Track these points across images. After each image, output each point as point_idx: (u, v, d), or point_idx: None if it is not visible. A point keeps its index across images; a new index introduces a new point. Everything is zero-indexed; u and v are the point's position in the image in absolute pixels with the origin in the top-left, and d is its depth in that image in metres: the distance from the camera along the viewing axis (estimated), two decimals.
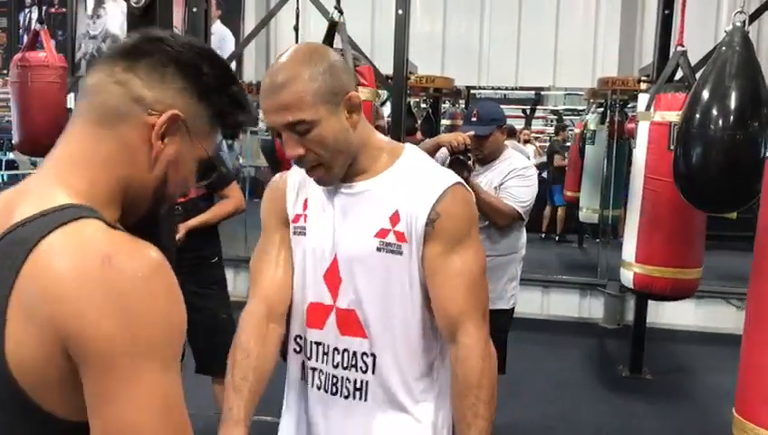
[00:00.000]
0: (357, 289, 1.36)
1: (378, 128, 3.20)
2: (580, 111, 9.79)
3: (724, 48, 3.02)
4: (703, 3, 6.19)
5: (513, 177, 2.99)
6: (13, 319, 0.74)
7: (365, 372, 1.37)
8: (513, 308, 3.14)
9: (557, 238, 8.61)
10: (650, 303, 4.66)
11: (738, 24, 2.99)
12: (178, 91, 0.86)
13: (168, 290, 0.78)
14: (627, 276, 3.93)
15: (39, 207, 0.78)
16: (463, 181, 1.38)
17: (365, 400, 1.38)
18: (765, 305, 1.89)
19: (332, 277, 1.38)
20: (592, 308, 5.88)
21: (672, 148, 3.52)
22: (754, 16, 3.87)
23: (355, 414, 1.39)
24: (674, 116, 3.57)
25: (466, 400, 1.32)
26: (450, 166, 2.58)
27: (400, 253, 1.33)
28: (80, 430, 0.76)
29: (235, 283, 5.97)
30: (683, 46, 3.80)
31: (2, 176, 10.13)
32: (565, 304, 5.91)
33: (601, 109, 7.18)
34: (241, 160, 9.11)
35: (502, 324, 2.93)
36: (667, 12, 4.29)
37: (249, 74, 7.29)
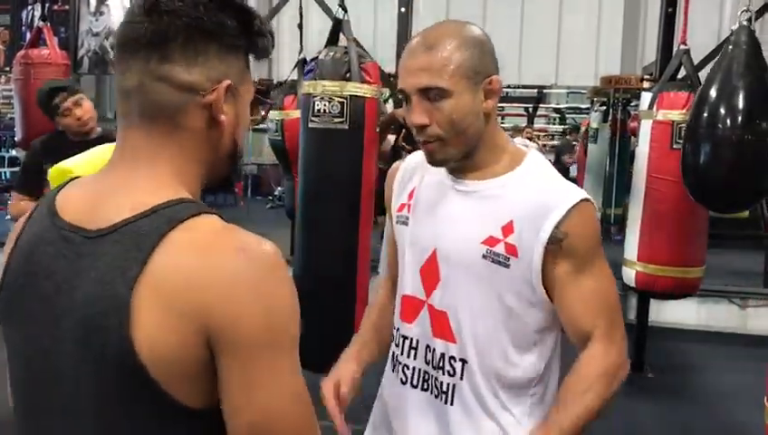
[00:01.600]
0: (453, 292, 1.29)
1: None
2: (583, 109, 9.78)
3: (731, 47, 3.01)
4: (706, 1, 6.18)
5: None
6: (144, 308, 0.75)
7: (452, 375, 1.31)
8: None
9: None
10: (652, 301, 4.65)
11: (744, 22, 2.98)
12: (216, 57, 0.85)
13: (290, 280, 0.82)
14: (629, 275, 3.93)
15: (144, 203, 0.80)
16: (589, 196, 1.28)
17: (451, 404, 1.31)
18: None
19: (429, 273, 1.32)
20: None
21: (675, 146, 3.52)
22: (759, 14, 3.86)
23: (440, 415, 1.33)
24: (676, 115, 3.57)
25: (576, 386, 1.24)
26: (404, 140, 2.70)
27: (507, 266, 1.24)
28: (202, 417, 0.79)
29: None
30: (686, 45, 3.79)
31: (4, 173, 10.13)
32: None
33: (604, 107, 7.17)
34: (244, 158, 9.10)
35: None
36: (670, 10, 4.28)
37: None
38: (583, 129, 8.17)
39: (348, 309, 2.86)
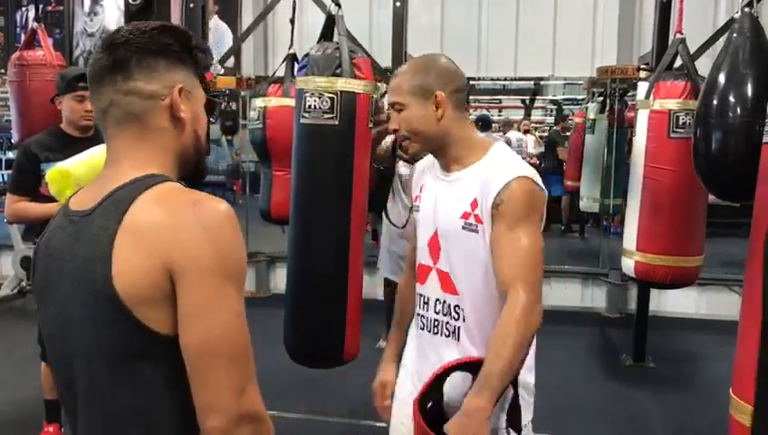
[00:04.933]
0: (450, 256, 1.76)
1: (379, 122, 3.19)
2: (580, 100, 9.76)
3: (735, 35, 3.01)
4: None
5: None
6: (120, 250, 0.97)
7: (457, 320, 1.76)
8: None
9: (562, 228, 8.61)
10: (653, 291, 4.66)
11: (747, 9, 2.97)
12: (166, 69, 1.09)
13: (239, 231, 1.03)
14: (628, 265, 3.93)
15: (124, 179, 1.05)
16: (530, 175, 1.66)
17: (458, 340, 1.76)
18: (759, 288, 1.90)
19: (434, 244, 1.80)
20: (594, 297, 5.89)
21: (672, 136, 3.51)
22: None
23: (450, 349, 1.77)
24: (673, 104, 3.56)
25: (497, 338, 1.56)
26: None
27: (476, 231, 1.69)
28: (170, 342, 0.98)
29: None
30: (682, 34, 3.79)
31: (2, 175, 10.11)
32: (567, 294, 5.90)
33: (601, 98, 7.16)
34: (242, 156, 9.12)
35: None
36: (665, 0, 4.27)
37: (247, 68, 7.28)
38: (578, 120, 8.15)
39: (340, 305, 2.87)
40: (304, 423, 3.67)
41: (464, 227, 1.70)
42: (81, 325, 1.03)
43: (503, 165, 1.70)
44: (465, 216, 1.70)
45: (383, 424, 3.58)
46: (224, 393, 0.97)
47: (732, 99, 2.97)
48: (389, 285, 3.53)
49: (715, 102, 3.01)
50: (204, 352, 0.97)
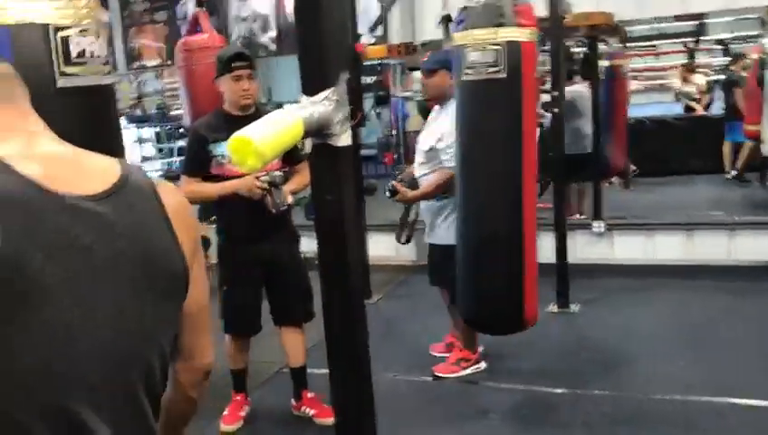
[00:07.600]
0: None
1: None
2: (751, 37, 8.89)
3: None
4: None
5: (444, 137, 3.31)
6: (180, 235, 1.06)
7: None
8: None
9: (731, 177, 7.99)
10: None
11: None
12: None
13: None
14: None
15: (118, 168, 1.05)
16: None
17: None
18: None
19: None
20: None
21: None
22: None
23: None
24: None
25: None
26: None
27: None
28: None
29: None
30: None
31: (173, 163, 10.79)
32: (754, 248, 5.38)
33: None
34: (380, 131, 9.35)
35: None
36: None
37: (395, 36, 7.24)
38: (754, 56, 7.38)
39: (517, 265, 2.77)
40: (479, 390, 3.62)
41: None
42: (135, 303, 0.98)
43: None
44: None
45: (561, 390, 3.45)
46: (209, 335, 1.21)
47: None
48: None
49: None
50: (204, 306, 1.17)
